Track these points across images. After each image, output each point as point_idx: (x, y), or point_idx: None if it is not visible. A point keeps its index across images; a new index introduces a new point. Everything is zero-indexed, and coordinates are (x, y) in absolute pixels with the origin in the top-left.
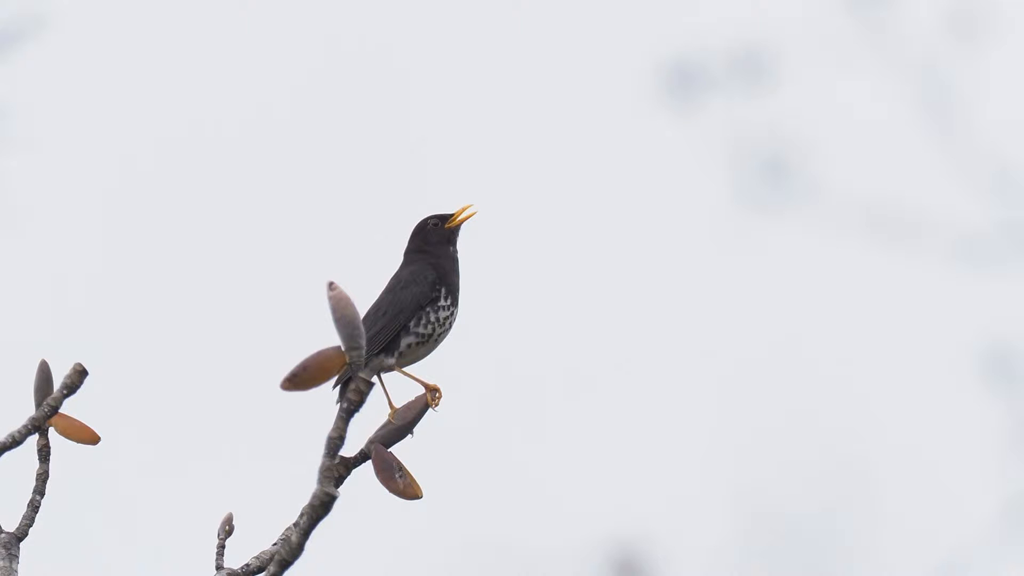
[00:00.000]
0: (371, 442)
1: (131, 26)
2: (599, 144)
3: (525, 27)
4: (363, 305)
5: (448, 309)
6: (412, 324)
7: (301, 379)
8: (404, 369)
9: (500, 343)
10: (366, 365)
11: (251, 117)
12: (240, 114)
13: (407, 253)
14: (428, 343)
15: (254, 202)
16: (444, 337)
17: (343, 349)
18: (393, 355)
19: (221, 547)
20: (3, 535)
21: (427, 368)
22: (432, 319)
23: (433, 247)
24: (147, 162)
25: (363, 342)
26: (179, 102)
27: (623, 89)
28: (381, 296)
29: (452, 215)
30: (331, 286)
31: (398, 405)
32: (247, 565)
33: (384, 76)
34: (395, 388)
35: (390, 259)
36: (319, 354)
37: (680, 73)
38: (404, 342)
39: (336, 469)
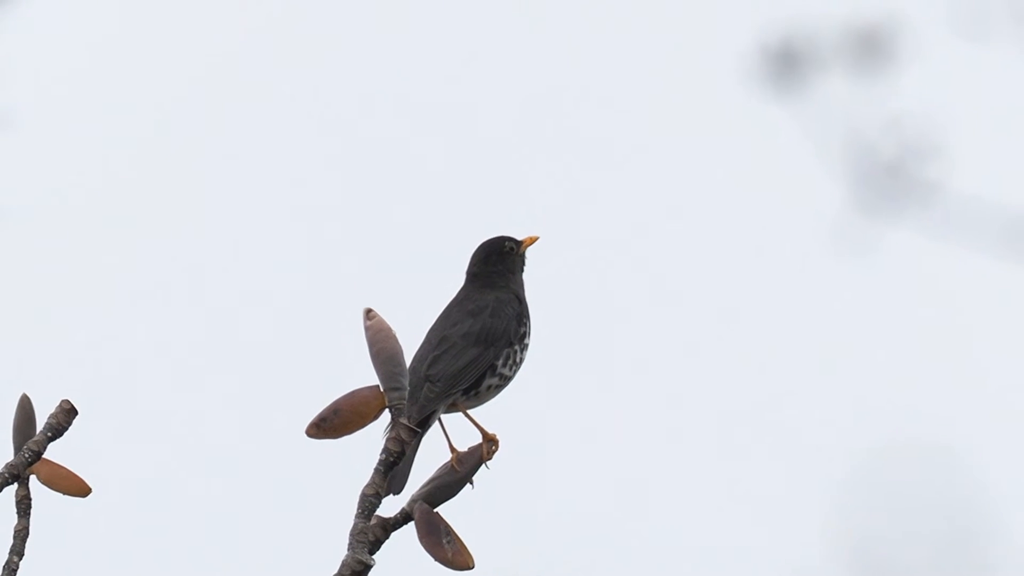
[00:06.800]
0: (414, 500)
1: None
2: (683, 138)
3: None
4: (411, 337)
5: (527, 349)
6: (499, 363)
7: (331, 424)
8: (468, 412)
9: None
10: (443, 402)
11: (269, 129)
12: (256, 124)
13: (477, 276)
14: (502, 390)
15: (277, 218)
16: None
17: (382, 389)
18: (470, 395)
19: None
20: None
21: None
22: (517, 360)
23: (511, 273)
24: (160, 166)
25: (405, 381)
26: (191, 111)
27: (710, 74)
28: (455, 320)
29: (521, 241)
30: (369, 314)
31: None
32: None
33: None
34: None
35: (430, 288)
36: (353, 395)
37: (782, 55)
38: (486, 384)
39: (372, 532)
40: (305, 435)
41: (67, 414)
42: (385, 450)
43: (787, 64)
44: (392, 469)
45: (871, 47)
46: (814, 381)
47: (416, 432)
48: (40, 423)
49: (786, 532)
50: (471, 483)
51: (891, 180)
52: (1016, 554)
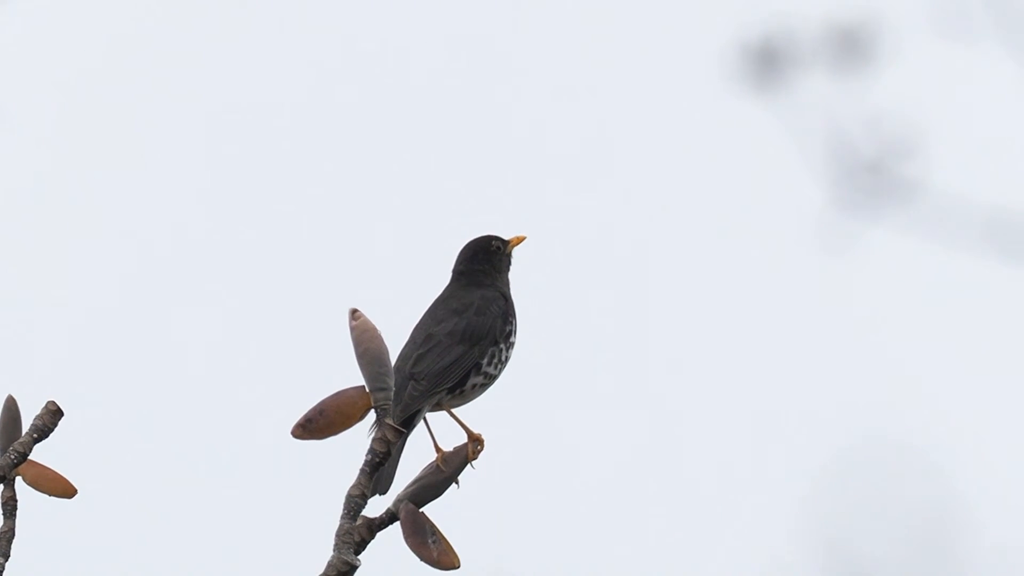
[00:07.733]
0: (400, 500)
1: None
2: (665, 136)
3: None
4: (397, 337)
5: (513, 348)
6: (485, 362)
7: (317, 425)
8: (453, 411)
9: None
10: (427, 400)
11: (265, 124)
12: (252, 123)
13: (463, 274)
14: (487, 388)
15: (264, 218)
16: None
17: (367, 390)
18: (455, 394)
19: None
20: None
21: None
22: (503, 358)
23: (497, 272)
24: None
25: (391, 381)
26: (193, 121)
27: (691, 75)
28: (440, 317)
29: (508, 240)
30: (354, 314)
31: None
32: None
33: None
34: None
35: (415, 287)
36: (338, 396)
37: (763, 53)
38: (471, 382)
39: (358, 532)
40: (291, 436)
41: (53, 415)
42: (371, 450)
43: (767, 62)
44: (378, 469)
45: (851, 45)
46: (792, 378)
47: (401, 432)
48: (26, 424)
49: (761, 530)
50: (456, 483)
51: (871, 178)
52: (988, 551)
